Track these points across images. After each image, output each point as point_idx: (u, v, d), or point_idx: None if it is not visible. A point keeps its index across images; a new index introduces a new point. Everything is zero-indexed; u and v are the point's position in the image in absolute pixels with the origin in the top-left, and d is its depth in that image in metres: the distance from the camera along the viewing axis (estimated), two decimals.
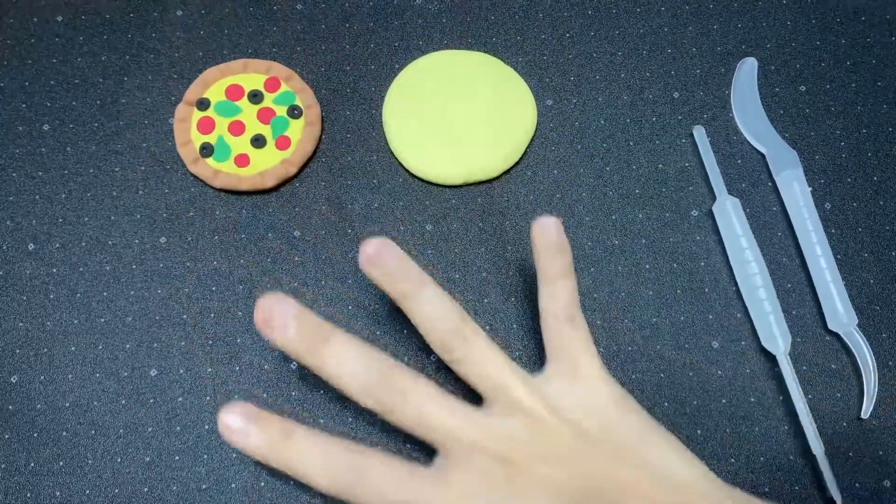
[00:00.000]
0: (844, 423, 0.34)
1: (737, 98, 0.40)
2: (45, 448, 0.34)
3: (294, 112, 0.38)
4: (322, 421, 0.34)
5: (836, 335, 0.35)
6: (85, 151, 0.39)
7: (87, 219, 0.38)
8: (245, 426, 0.28)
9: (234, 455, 0.34)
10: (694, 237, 0.37)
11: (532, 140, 0.39)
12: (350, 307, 0.36)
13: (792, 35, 0.41)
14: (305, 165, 0.39)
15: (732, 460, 0.34)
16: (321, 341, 0.29)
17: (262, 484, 0.33)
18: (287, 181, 0.38)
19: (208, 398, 0.35)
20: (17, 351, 0.35)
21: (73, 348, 0.36)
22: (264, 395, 0.35)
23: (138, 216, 0.38)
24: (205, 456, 0.34)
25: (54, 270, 0.37)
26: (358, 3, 0.42)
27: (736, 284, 0.36)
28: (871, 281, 0.36)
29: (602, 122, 0.40)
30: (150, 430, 0.34)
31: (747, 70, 0.40)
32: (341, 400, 0.35)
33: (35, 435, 0.34)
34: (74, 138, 0.39)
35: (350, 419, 0.34)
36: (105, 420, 0.34)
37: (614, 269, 0.37)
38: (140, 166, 0.39)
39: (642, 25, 0.41)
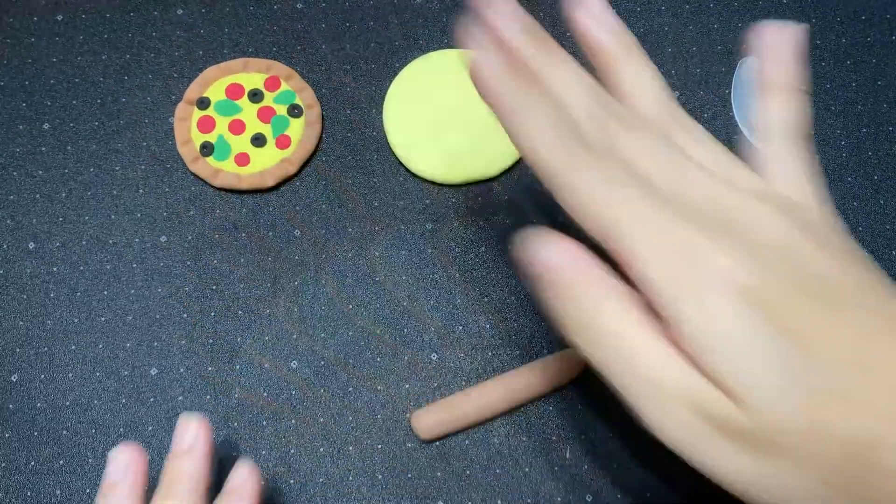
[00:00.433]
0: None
1: (737, 98, 0.40)
2: (45, 447, 0.34)
3: (294, 111, 0.38)
4: (322, 420, 0.34)
5: None
6: (85, 150, 0.39)
7: (87, 217, 0.38)
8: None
9: (235, 454, 0.34)
10: None
11: None
12: (350, 306, 0.36)
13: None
14: (305, 165, 0.39)
15: None
16: (547, 44, 0.24)
17: (262, 483, 0.33)
18: (287, 180, 0.38)
19: (208, 397, 0.35)
20: (18, 349, 0.35)
21: (73, 347, 0.36)
22: (264, 394, 0.35)
23: (138, 215, 0.38)
24: None
25: (55, 269, 0.37)
26: (358, 3, 0.42)
27: None
28: None
29: None
30: (150, 429, 0.34)
31: (747, 70, 0.40)
32: (341, 400, 0.35)
33: (35, 433, 0.34)
34: (75, 137, 0.39)
35: (350, 418, 0.34)
36: (105, 419, 0.34)
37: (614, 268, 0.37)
38: (140, 165, 0.39)
39: (642, 25, 0.41)
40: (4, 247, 0.37)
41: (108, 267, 0.37)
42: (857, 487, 0.20)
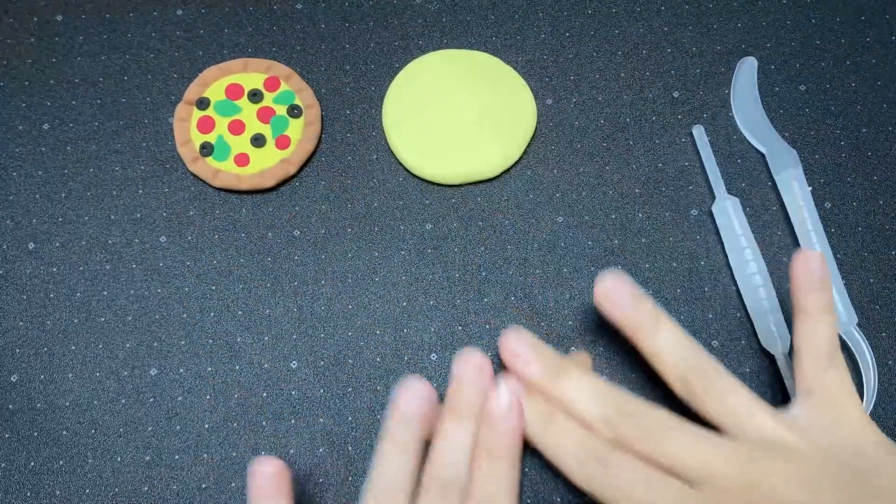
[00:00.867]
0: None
1: (737, 97, 0.40)
2: (45, 447, 0.34)
3: (294, 111, 0.38)
4: (322, 420, 0.34)
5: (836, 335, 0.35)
6: (85, 151, 0.39)
7: (87, 218, 0.38)
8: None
9: (235, 454, 0.34)
10: (694, 237, 0.37)
11: (532, 140, 0.39)
12: (350, 307, 0.36)
13: (792, 35, 0.41)
14: (305, 165, 0.39)
15: None
16: (560, 372, 0.30)
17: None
18: (287, 181, 0.38)
19: (208, 397, 0.35)
20: (17, 350, 0.35)
21: (73, 347, 0.36)
22: (264, 394, 0.35)
23: (138, 215, 0.38)
24: (205, 455, 0.34)
25: (54, 269, 0.37)
26: (358, 3, 0.42)
27: (735, 284, 0.36)
28: (871, 280, 0.36)
29: (602, 121, 0.40)
30: (150, 429, 0.34)
31: (747, 69, 0.40)
32: (341, 400, 0.35)
33: (35, 434, 0.34)
34: (74, 137, 0.39)
35: (350, 418, 0.34)
36: (105, 419, 0.34)
37: (614, 269, 0.37)
38: (140, 166, 0.39)
39: (642, 25, 0.41)
40: (4, 247, 0.37)
41: (108, 267, 0.37)
42: None
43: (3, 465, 0.34)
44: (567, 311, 0.36)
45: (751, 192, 0.38)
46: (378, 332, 0.36)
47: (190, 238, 0.37)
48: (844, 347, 0.35)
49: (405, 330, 0.36)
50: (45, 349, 0.36)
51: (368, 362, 0.35)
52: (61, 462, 0.34)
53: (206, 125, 0.38)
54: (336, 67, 0.40)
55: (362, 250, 0.37)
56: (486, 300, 0.36)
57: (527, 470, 0.34)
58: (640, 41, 0.41)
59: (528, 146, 0.39)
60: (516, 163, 0.39)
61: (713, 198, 0.38)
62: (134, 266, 0.37)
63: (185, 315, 0.36)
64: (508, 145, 0.38)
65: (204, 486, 0.33)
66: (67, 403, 0.35)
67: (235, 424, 0.34)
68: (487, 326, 0.36)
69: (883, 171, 0.39)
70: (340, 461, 0.34)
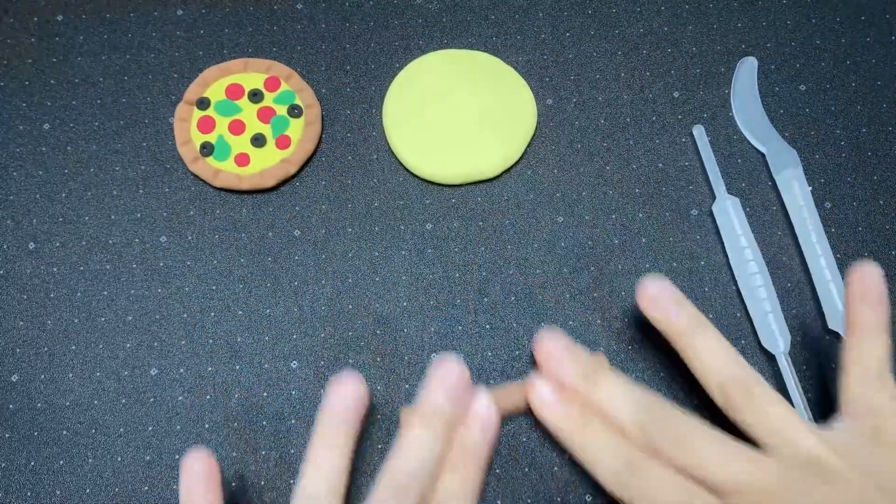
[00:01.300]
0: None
1: (737, 97, 0.40)
2: (45, 447, 0.34)
3: (294, 111, 0.38)
4: None
5: (836, 335, 0.35)
6: (85, 150, 0.39)
7: (87, 218, 0.38)
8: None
9: (235, 454, 0.34)
10: (694, 236, 0.37)
11: (532, 140, 0.39)
12: (350, 306, 0.36)
13: (792, 35, 0.41)
14: (305, 165, 0.39)
15: None
16: (595, 375, 0.30)
17: (263, 483, 0.33)
18: (287, 180, 0.38)
19: (208, 397, 0.35)
20: (18, 350, 0.35)
21: (73, 347, 0.36)
22: (264, 394, 0.35)
23: (138, 215, 0.38)
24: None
25: (55, 269, 0.37)
26: (358, 3, 0.42)
27: (736, 284, 0.36)
28: None
29: (602, 121, 0.40)
30: (150, 429, 0.34)
31: (747, 69, 0.40)
32: None
33: (35, 434, 0.34)
34: (75, 137, 0.39)
35: None
36: (105, 419, 0.34)
37: (614, 268, 0.37)
38: (140, 165, 0.39)
39: (642, 25, 0.41)
40: (4, 247, 0.37)
41: (108, 267, 0.37)
42: None
43: (3, 465, 0.34)
44: (568, 311, 0.36)
45: (751, 192, 0.38)
46: (378, 332, 0.36)
47: (190, 238, 0.37)
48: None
49: (405, 330, 0.36)
50: (46, 349, 0.36)
51: (368, 362, 0.35)
52: (61, 462, 0.34)
53: (206, 125, 0.38)
54: (336, 67, 0.41)
55: (362, 250, 0.37)
56: (486, 300, 0.36)
57: (527, 470, 0.34)
58: (640, 41, 0.41)
59: (528, 146, 0.39)
60: (516, 163, 0.39)
61: (713, 198, 0.38)
62: (134, 266, 0.37)
63: (185, 315, 0.36)
64: (508, 145, 0.38)
65: None
66: (67, 403, 0.35)
67: (235, 424, 0.34)
68: (488, 326, 0.36)
69: (883, 171, 0.39)
70: None
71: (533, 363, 0.34)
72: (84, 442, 0.34)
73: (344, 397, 0.29)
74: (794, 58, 0.41)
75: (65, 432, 0.34)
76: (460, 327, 0.36)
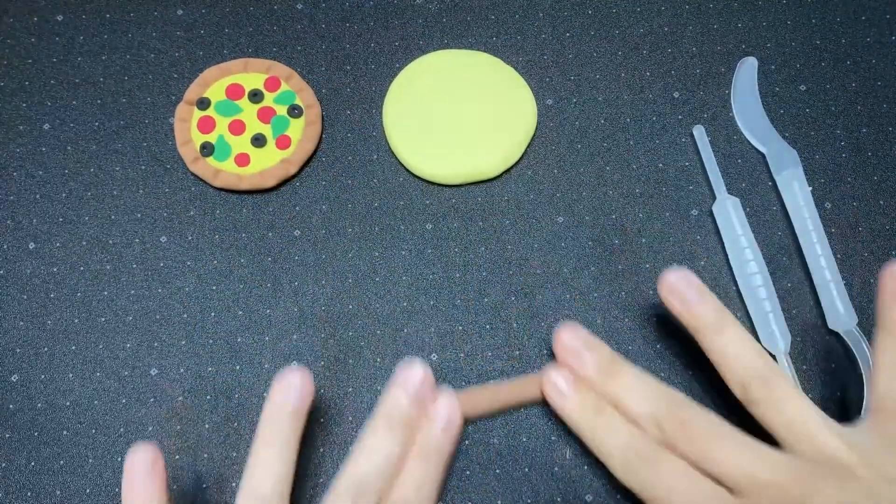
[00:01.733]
0: (845, 423, 0.34)
1: (737, 98, 0.40)
2: (45, 447, 0.34)
3: (294, 111, 0.38)
4: (322, 420, 0.34)
5: (836, 335, 0.35)
6: (85, 151, 0.39)
7: (87, 218, 0.38)
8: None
9: (235, 454, 0.34)
10: (694, 237, 0.37)
11: (532, 140, 0.39)
12: (350, 306, 0.36)
13: (792, 35, 0.41)
14: (305, 165, 0.39)
15: None
16: (614, 369, 0.30)
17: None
18: (287, 181, 0.38)
19: (208, 397, 0.35)
20: (18, 350, 0.35)
21: (73, 347, 0.36)
22: (264, 394, 0.35)
23: (139, 215, 0.38)
24: (205, 455, 0.34)
25: (55, 269, 0.37)
26: (358, 3, 0.42)
27: (736, 284, 0.36)
28: (871, 280, 0.36)
29: (602, 121, 0.40)
30: (150, 429, 0.34)
31: (747, 70, 0.40)
32: (341, 400, 0.35)
33: (35, 434, 0.34)
34: (75, 137, 0.39)
35: (350, 418, 0.34)
36: (105, 419, 0.34)
37: (614, 268, 0.37)
38: (140, 165, 0.39)
39: (642, 25, 0.41)
40: (4, 247, 0.37)
41: (108, 267, 0.37)
42: None
43: (3, 465, 0.34)
44: (567, 311, 0.36)
45: (751, 192, 0.38)
46: (378, 332, 0.36)
47: (190, 238, 0.37)
48: (845, 348, 0.35)
49: (405, 330, 0.36)
50: (46, 349, 0.36)
51: (368, 362, 0.35)
52: (61, 462, 0.34)
53: (206, 125, 0.38)
54: (336, 67, 0.41)
55: (362, 250, 0.37)
56: (486, 300, 0.36)
57: (527, 470, 0.34)
58: (641, 41, 0.41)
59: (528, 147, 0.39)
60: (516, 163, 0.39)
61: (713, 198, 0.38)
62: (134, 266, 0.37)
63: (185, 315, 0.36)
64: (508, 145, 0.38)
65: (204, 486, 0.33)
66: (67, 403, 0.35)
67: (235, 424, 0.34)
68: (488, 326, 0.36)
69: (883, 171, 0.39)
70: (341, 461, 0.34)
71: (551, 356, 0.34)
72: (84, 442, 0.34)
73: (287, 394, 0.29)
74: (794, 58, 0.41)
75: (65, 432, 0.34)
76: (460, 327, 0.36)
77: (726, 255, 0.37)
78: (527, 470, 0.34)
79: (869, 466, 0.26)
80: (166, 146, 0.39)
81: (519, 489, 0.33)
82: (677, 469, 0.28)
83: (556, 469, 0.34)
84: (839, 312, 0.35)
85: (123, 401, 0.35)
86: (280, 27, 0.41)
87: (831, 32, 0.41)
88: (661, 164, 0.39)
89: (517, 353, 0.35)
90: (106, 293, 0.36)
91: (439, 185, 0.38)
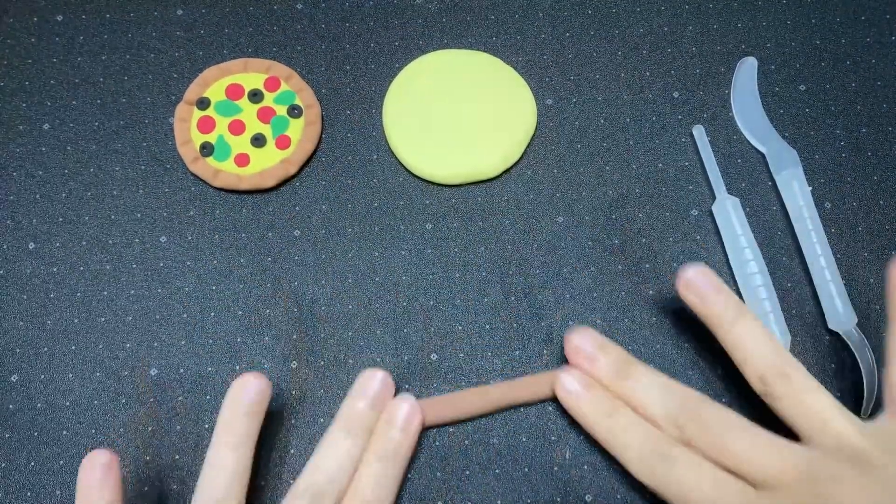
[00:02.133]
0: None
1: (737, 98, 0.40)
2: (45, 447, 0.34)
3: (294, 111, 0.38)
4: (322, 420, 0.34)
5: (836, 335, 0.35)
6: (85, 150, 0.39)
7: (87, 218, 0.38)
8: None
9: None
10: (694, 237, 0.37)
11: (532, 140, 0.39)
12: (350, 307, 0.36)
13: (792, 35, 0.41)
14: (305, 165, 0.39)
15: None
16: (626, 369, 0.30)
17: (263, 483, 0.33)
18: (287, 181, 0.38)
19: (208, 397, 0.35)
20: (18, 350, 0.35)
21: (73, 347, 0.36)
22: None
23: (138, 215, 0.38)
24: (205, 455, 0.34)
25: (54, 269, 0.37)
26: (358, 3, 0.42)
27: (736, 284, 0.36)
28: (871, 280, 0.36)
29: (602, 121, 0.40)
30: (150, 429, 0.34)
31: (747, 70, 0.40)
32: (341, 400, 0.35)
33: (35, 434, 0.34)
34: (74, 137, 0.39)
35: None
36: (105, 419, 0.34)
37: (614, 268, 0.37)
38: (140, 165, 0.39)
39: (642, 25, 0.41)
40: (4, 247, 0.37)
41: (108, 267, 0.37)
42: None
43: (3, 465, 0.34)
44: (567, 311, 0.36)
45: (751, 192, 0.38)
46: (378, 332, 0.36)
47: (190, 238, 0.37)
48: (845, 348, 0.35)
49: (405, 330, 0.36)
50: (45, 349, 0.36)
51: (368, 362, 0.35)
52: (61, 462, 0.34)
53: (206, 125, 0.38)
54: (336, 67, 0.41)
55: (362, 250, 0.37)
56: (486, 300, 0.36)
57: (527, 470, 0.34)
58: (641, 41, 0.41)
59: (528, 146, 0.39)
60: (516, 163, 0.39)
61: (713, 198, 0.38)
62: (134, 266, 0.37)
63: (185, 315, 0.36)
64: (508, 145, 0.38)
65: None
66: (67, 403, 0.35)
67: None
68: (488, 327, 0.36)
69: (883, 171, 0.39)
70: None
71: (551, 356, 0.34)
72: (84, 442, 0.34)
73: (243, 396, 0.30)
74: (794, 58, 0.41)
75: (65, 432, 0.34)
76: (460, 327, 0.36)
77: (726, 255, 0.37)
78: (527, 470, 0.34)
79: (889, 455, 0.26)
80: (166, 146, 0.39)
81: (519, 489, 0.33)
82: (697, 465, 0.28)
83: (555, 469, 0.34)
84: (839, 312, 0.35)
85: (123, 401, 0.35)
86: (280, 27, 0.41)
87: (831, 32, 0.41)
88: (661, 164, 0.39)
89: (517, 353, 0.35)
90: (106, 293, 0.36)
91: (439, 185, 0.38)
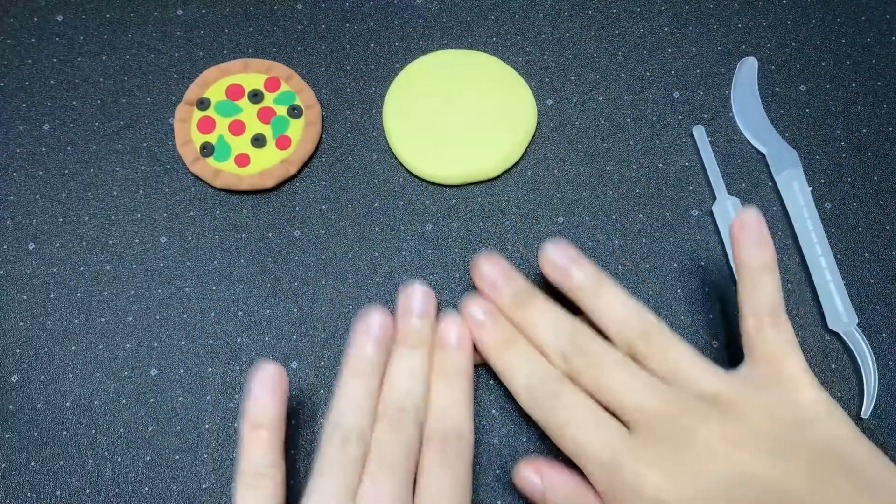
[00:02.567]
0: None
1: (737, 98, 0.40)
2: (45, 447, 0.34)
3: (294, 112, 0.38)
4: (322, 421, 0.34)
5: (836, 335, 0.35)
6: (85, 151, 0.39)
7: (87, 218, 0.38)
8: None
9: (235, 454, 0.34)
10: (694, 237, 0.37)
11: (532, 140, 0.39)
12: (350, 307, 0.36)
13: (792, 35, 0.41)
14: (305, 165, 0.39)
15: None
16: (527, 300, 0.31)
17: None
18: (287, 181, 0.38)
19: (209, 398, 0.35)
20: (18, 350, 0.35)
21: (73, 348, 0.36)
22: None
23: (138, 216, 0.38)
24: (205, 455, 0.34)
25: (54, 270, 0.37)
26: (358, 3, 0.42)
27: (736, 284, 0.36)
28: (871, 280, 0.36)
29: (602, 121, 0.40)
30: (150, 429, 0.34)
31: (747, 70, 0.40)
32: None
33: (35, 434, 0.34)
34: (75, 138, 0.39)
35: None
36: (105, 419, 0.34)
37: (614, 269, 0.37)
38: (140, 166, 0.39)
39: (642, 25, 0.41)
40: (4, 247, 0.37)
41: (108, 267, 0.37)
42: None
43: (3, 465, 0.34)
44: (567, 311, 0.36)
45: (751, 192, 0.38)
46: None
47: (190, 238, 0.37)
48: (845, 348, 0.35)
49: None
50: (45, 349, 0.36)
51: None
52: (61, 462, 0.34)
53: (206, 125, 0.38)
54: (336, 67, 0.40)
55: (362, 250, 0.37)
56: None
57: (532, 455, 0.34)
58: (641, 41, 0.41)
59: (528, 147, 0.39)
60: (516, 163, 0.39)
61: (713, 198, 0.38)
62: (134, 266, 0.37)
63: (185, 315, 0.36)
64: (508, 145, 0.38)
65: (204, 486, 0.33)
66: (67, 403, 0.35)
67: (236, 424, 0.34)
68: None
69: (883, 171, 0.39)
70: None
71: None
72: (84, 442, 0.34)
73: (376, 325, 0.31)
74: (794, 58, 0.41)
75: (65, 432, 0.34)
76: None
77: (726, 256, 0.37)
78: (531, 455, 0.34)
79: (748, 404, 0.28)
80: (166, 146, 0.39)
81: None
82: (577, 401, 0.29)
83: None
84: (839, 312, 0.35)
85: (123, 401, 0.35)
86: (280, 27, 0.41)
87: (831, 32, 0.41)
88: (661, 164, 0.39)
89: None
90: (106, 293, 0.36)
91: (439, 185, 0.38)
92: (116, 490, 0.33)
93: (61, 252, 0.37)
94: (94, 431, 0.34)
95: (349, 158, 0.39)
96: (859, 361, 0.34)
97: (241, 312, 0.36)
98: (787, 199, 0.37)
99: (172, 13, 0.41)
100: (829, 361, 0.35)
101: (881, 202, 0.38)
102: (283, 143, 0.38)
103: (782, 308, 0.30)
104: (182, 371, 0.35)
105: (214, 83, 0.39)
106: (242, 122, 0.38)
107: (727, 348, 0.35)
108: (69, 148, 0.39)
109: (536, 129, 0.39)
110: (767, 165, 0.39)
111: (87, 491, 0.33)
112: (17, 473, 0.34)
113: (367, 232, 0.37)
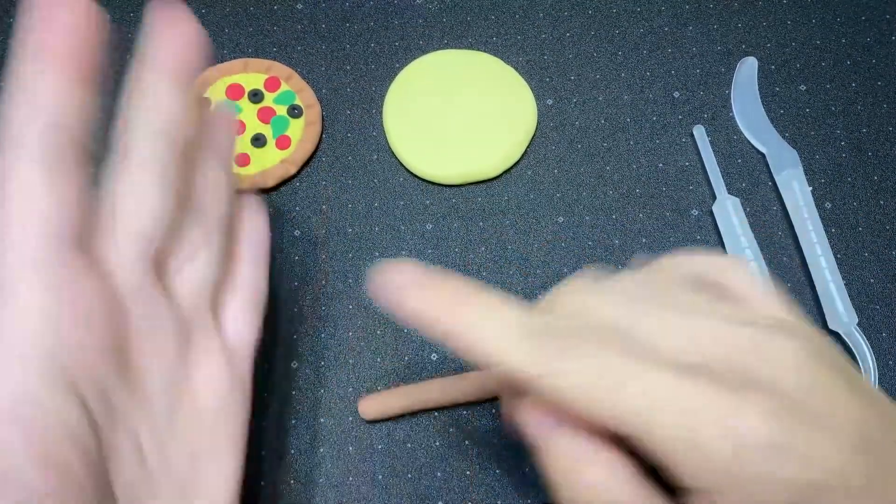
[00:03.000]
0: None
1: (737, 98, 0.40)
2: None
3: (294, 111, 0.38)
4: (322, 420, 0.34)
5: (837, 335, 0.35)
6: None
7: None
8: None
9: None
10: (694, 237, 0.37)
11: (532, 140, 0.39)
12: (350, 307, 0.36)
13: (792, 35, 0.41)
14: (305, 165, 0.39)
15: None
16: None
17: (262, 483, 0.33)
18: (287, 181, 0.38)
19: None
20: None
21: None
22: (264, 393, 0.35)
23: None
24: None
25: None
26: (358, 3, 0.42)
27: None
28: (871, 280, 0.36)
29: (602, 121, 0.40)
30: None
31: (747, 70, 0.40)
32: (342, 400, 0.35)
33: None
34: None
35: (350, 418, 0.34)
36: None
37: (614, 269, 0.37)
38: None
39: (642, 25, 0.42)
40: None
41: None
42: None
43: None
44: None
45: (751, 192, 0.38)
46: (378, 332, 0.36)
47: None
48: (845, 347, 0.35)
49: (405, 330, 0.36)
50: None
51: (368, 362, 0.35)
52: None
53: None
54: (336, 67, 0.41)
55: (362, 250, 0.37)
56: None
57: (527, 470, 0.34)
58: (641, 41, 0.41)
59: (528, 147, 0.39)
60: (516, 163, 0.39)
61: (714, 198, 0.38)
62: None
63: None
64: (508, 145, 0.38)
65: None
66: None
67: None
68: None
69: (883, 171, 0.39)
70: (341, 462, 0.34)
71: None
72: None
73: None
74: (794, 58, 0.41)
75: None
76: None
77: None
78: (527, 470, 0.34)
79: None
80: None
81: (519, 489, 0.33)
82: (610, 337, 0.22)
83: None
84: (839, 312, 0.35)
85: None
86: (280, 27, 0.41)
87: (831, 32, 0.41)
88: (661, 164, 0.39)
89: None
90: None
91: (439, 185, 0.38)
92: None
93: None
94: None
95: (349, 158, 0.39)
96: (859, 361, 0.34)
97: None
98: (787, 199, 0.37)
99: None
100: None
101: (881, 202, 0.38)
102: (282, 142, 0.38)
103: None
104: None
105: (214, 83, 0.39)
106: (242, 122, 0.38)
107: None
108: None
109: (536, 128, 0.39)
110: (767, 165, 0.39)
111: None
112: None
113: (367, 232, 0.37)
